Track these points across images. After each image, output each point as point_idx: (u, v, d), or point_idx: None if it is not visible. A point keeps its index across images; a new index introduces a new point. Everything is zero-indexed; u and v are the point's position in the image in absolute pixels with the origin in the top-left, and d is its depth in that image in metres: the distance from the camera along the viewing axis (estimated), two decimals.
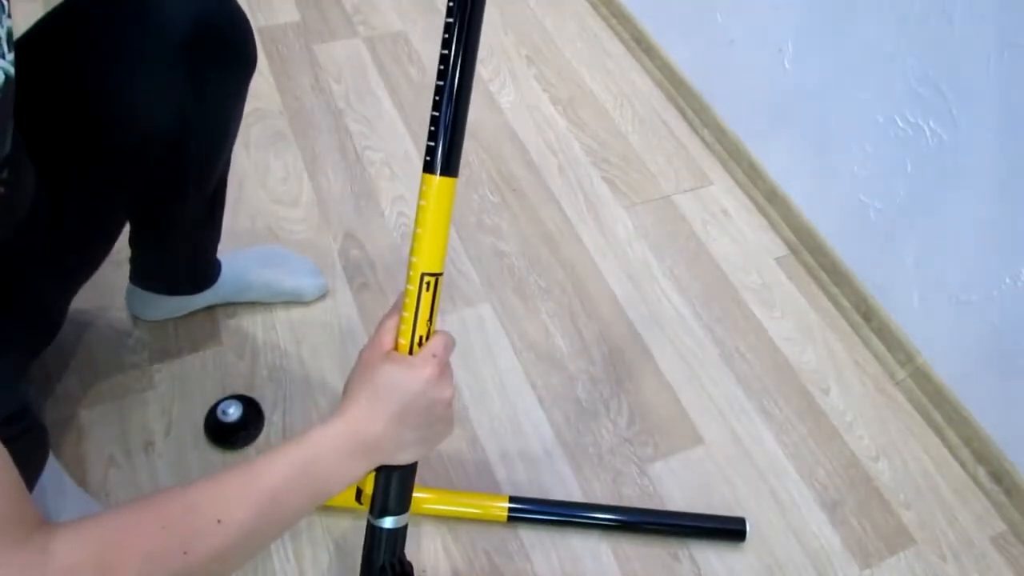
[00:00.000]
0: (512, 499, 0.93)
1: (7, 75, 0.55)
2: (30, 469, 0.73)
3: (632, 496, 1.00)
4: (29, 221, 0.70)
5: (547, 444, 1.04)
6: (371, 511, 0.67)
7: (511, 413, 1.06)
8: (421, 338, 0.63)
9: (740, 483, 1.03)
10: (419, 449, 0.62)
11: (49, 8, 0.69)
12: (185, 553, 0.47)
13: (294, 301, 1.12)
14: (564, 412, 1.07)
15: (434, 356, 0.61)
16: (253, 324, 1.10)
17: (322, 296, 1.14)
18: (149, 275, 1.01)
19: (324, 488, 0.57)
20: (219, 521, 0.49)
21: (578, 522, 0.94)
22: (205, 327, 1.08)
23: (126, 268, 1.01)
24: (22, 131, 0.64)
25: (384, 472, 0.64)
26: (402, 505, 0.67)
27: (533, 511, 0.93)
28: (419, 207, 0.61)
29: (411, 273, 0.62)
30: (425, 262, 0.61)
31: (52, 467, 0.84)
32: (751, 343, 1.19)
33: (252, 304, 1.11)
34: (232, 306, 1.10)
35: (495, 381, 1.09)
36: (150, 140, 0.73)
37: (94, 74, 0.68)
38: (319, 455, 0.56)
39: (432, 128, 0.60)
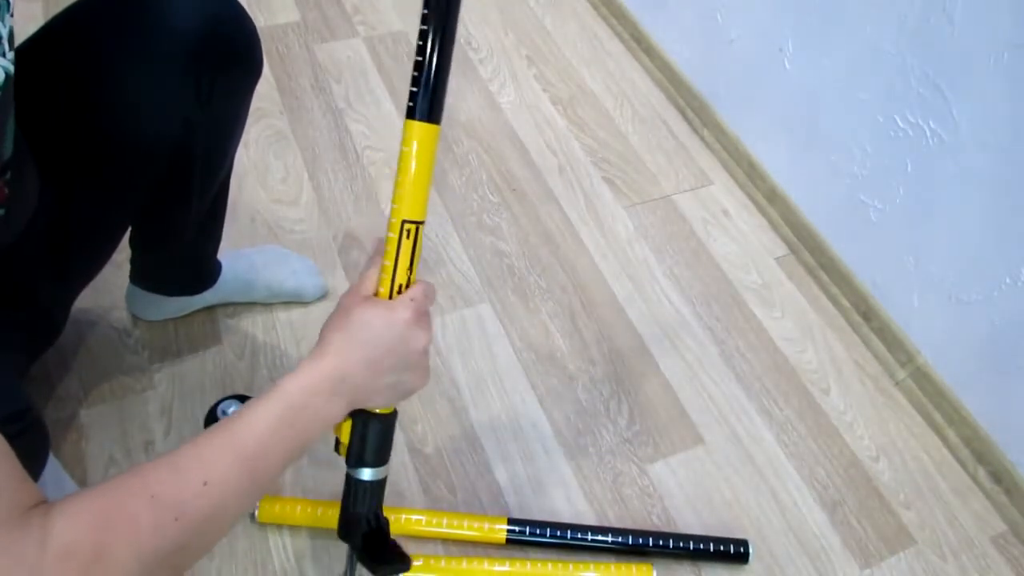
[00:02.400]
0: (511, 521, 0.92)
1: (7, 73, 0.55)
2: (30, 467, 0.73)
3: (632, 496, 1.00)
4: (33, 223, 0.70)
5: (547, 444, 1.04)
6: (347, 461, 0.67)
7: (511, 413, 1.06)
8: (401, 286, 0.63)
9: (740, 483, 1.04)
10: (392, 395, 0.62)
11: (49, 9, 0.69)
12: (176, 520, 0.47)
13: (294, 301, 1.12)
14: (564, 412, 1.07)
15: (412, 300, 0.62)
16: (253, 324, 1.10)
17: (322, 296, 1.14)
18: (150, 276, 1.01)
19: (306, 435, 0.57)
20: (205, 483, 0.49)
21: (577, 545, 0.93)
22: (205, 327, 1.08)
23: (126, 268, 1.01)
24: (27, 134, 0.64)
25: (361, 420, 0.64)
26: (381, 457, 0.67)
27: (531, 533, 0.92)
28: (401, 153, 0.61)
29: (392, 220, 0.62)
30: (406, 209, 0.61)
31: (53, 467, 0.84)
32: (751, 343, 1.19)
33: (252, 304, 1.11)
34: (232, 306, 1.11)
35: (495, 381, 1.09)
36: (155, 145, 0.73)
37: (100, 79, 0.68)
38: (297, 402, 0.56)
39: (415, 73, 0.59)
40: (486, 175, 1.36)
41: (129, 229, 0.91)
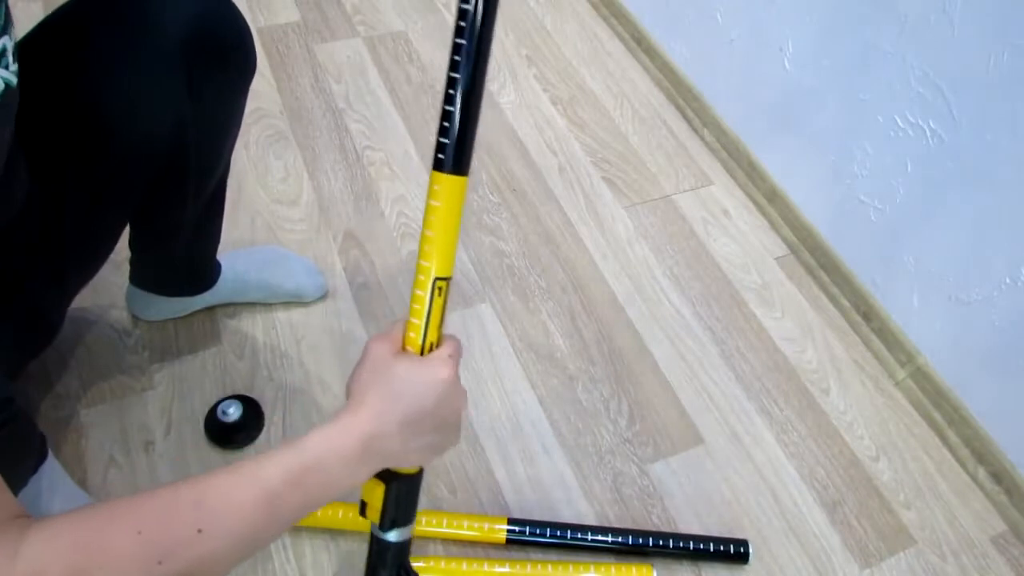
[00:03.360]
0: (511, 521, 0.92)
1: (7, 84, 0.55)
2: (17, 461, 0.72)
3: (632, 496, 1.00)
4: (28, 224, 0.70)
5: (547, 444, 1.04)
6: (379, 525, 0.64)
7: (511, 413, 1.06)
8: (432, 344, 0.60)
9: (740, 483, 1.04)
10: (426, 455, 0.58)
11: (49, 9, 0.69)
12: (160, 563, 0.44)
13: (294, 301, 1.12)
14: (564, 412, 1.07)
15: (450, 358, 0.58)
16: (253, 324, 1.10)
17: (322, 296, 1.14)
18: (149, 276, 1.01)
19: (323, 494, 0.52)
20: (199, 531, 0.45)
21: (577, 545, 0.93)
22: (205, 327, 1.08)
23: (126, 268, 1.01)
24: (21, 134, 0.64)
25: (392, 483, 0.61)
26: (408, 516, 0.64)
27: (531, 533, 0.92)
28: (428, 207, 0.58)
29: (421, 278, 0.59)
30: (437, 266, 0.59)
31: (53, 467, 0.84)
32: (751, 343, 1.19)
33: (252, 304, 1.11)
34: (232, 306, 1.10)
35: (495, 381, 1.09)
36: (148, 144, 0.73)
37: (92, 77, 0.68)
38: (321, 461, 0.51)
39: (443, 123, 0.57)
40: (486, 175, 1.36)
41: (128, 230, 0.91)
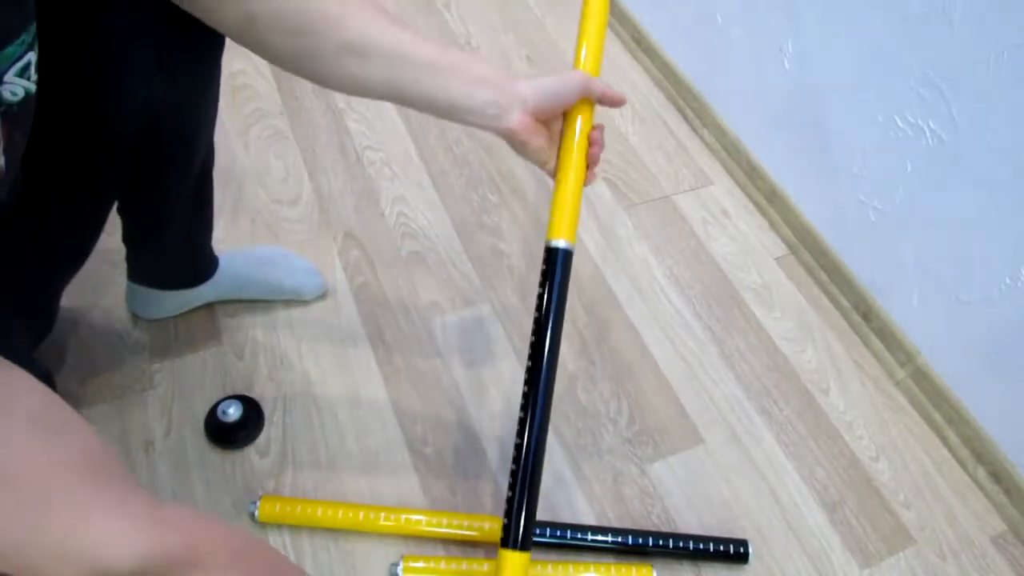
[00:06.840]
0: None
1: (27, 92, 0.55)
2: None
3: (632, 496, 1.00)
4: (14, 211, 0.70)
5: (547, 444, 1.04)
6: None
7: (511, 413, 1.06)
8: None
9: (740, 483, 1.04)
10: None
11: None
12: None
13: (294, 300, 1.12)
14: (564, 412, 1.07)
15: None
16: (253, 324, 1.10)
17: (322, 296, 1.14)
18: (145, 270, 1.01)
19: None
20: None
21: (577, 545, 0.93)
22: (205, 327, 1.08)
23: (125, 268, 1.01)
24: None
25: None
26: None
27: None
28: None
29: None
30: None
31: None
32: (751, 343, 1.19)
33: (252, 304, 1.11)
34: (232, 306, 1.10)
35: (495, 381, 1.09)
36: (121, 120, 0.72)
37: (55, 48, 0.67)
38: None
39: (508, 502, 0.63)
40: (486, 175, 1.36)
41: (121, 226, 0.91)
